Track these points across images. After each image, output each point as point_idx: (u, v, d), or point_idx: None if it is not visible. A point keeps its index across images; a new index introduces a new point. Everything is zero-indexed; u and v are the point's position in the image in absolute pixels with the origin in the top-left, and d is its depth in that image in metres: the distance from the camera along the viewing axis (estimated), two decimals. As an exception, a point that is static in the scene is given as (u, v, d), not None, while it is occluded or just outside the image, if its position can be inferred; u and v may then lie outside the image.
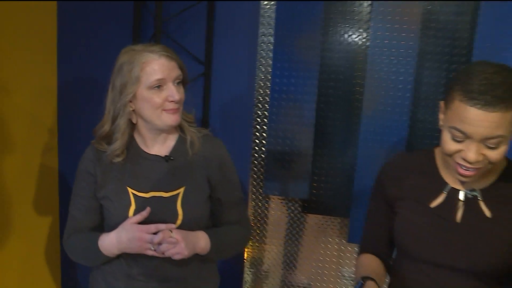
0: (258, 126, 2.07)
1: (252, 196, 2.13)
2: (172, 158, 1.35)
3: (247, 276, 2.23)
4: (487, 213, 1.11)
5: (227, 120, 2.20)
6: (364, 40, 1.95)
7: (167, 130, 1.35)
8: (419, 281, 1.18)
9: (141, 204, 1.30)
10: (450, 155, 1.05)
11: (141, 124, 1.34)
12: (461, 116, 0.99)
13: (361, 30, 1.95)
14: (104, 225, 1.39)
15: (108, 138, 1.33)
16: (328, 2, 1.94)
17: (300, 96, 1.95)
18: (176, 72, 1.30)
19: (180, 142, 1.38)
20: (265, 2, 1.98)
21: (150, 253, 1.25)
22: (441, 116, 1.11)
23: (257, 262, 2.22)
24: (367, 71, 1.89)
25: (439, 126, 1.11)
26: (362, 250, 1.35)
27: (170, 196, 1.32)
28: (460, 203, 1.13)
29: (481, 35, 1.83)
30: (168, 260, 1.28)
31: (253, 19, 2.05)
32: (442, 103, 1.10)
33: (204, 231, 1.34)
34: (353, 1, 1.94)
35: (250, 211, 2.14)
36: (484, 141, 0.99)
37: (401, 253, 1.25)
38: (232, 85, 2.17)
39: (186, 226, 1.30)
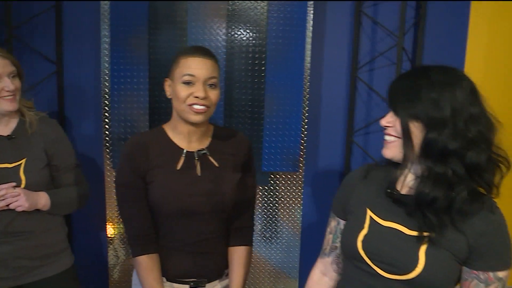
0: (106, 114, 2.43)
1: (107, 174, 2.49)
2: (14, 136, 1.69)
3: (116, 252, 2.58)
4: (215, 163, 1.46)
5: (80, 110, 2.55)
6: (183, 36, 2.39)
7: (9, 114, 1.69)
8: (177, 232, 1.44)
9: None
10: (184, 100, 1.35)
11: None
12: (187, 65, 1.36)
13: (181, 29, 2.39)
14: None
15: None
16: (153, 2, 2.34)
17: (136, 86, 2.36)
18: (10, 68, 1.64)
19: (21, 123, 1.72)
20: (104, 2, 2.32)
21: None
22: (168, 89, 1.43)
23: (122, 240, 2.57)
24: (188, 62, 2.34)
25: (168, 97, 1.44)
26: (139, 247, 1.43)
27: (14, 166, 1.65)
28: (196, 161, 1.44)
29: (271, 32, 2.36)
30: (18, 217, 1.63)
31: (96, 20, 2.41)
32: (167, 80, 1.44)
33: (45, 191, 1.70)
34: (173, 2, 2.36)
35: (108, 186, 2.50)
36: (206, 81, 1.35)
37: (159, 215, 1.45)
38: (82, 79, 2.52)
39: (32, 189, 1.65)
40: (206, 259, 1.47)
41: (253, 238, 1.60)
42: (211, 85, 1.37)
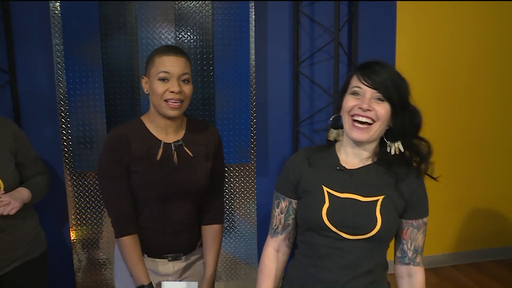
0: (63, 120, 2.52)
1: (67, 178, 2.58)
2: None
3: (80, 256, 2.68)
4: (190, 153, 1.60)
5: (37, 118, 2.61)
6: (134, 41, 2.52)
7: None
8: (157, 215, 1.59)
9: None
10: (161, 95, 1.47)
11: None
12: (162, 63, 1.47)
13: (131, 34, 2.52)
14: None
15: None
16: (103, 8, 2.44)
17: (91, 90, 2.46)
18: None
19: None
20: (56, 4, 2.38)
21: None
22: (145, 85, 1.55)
23: (87, 243, 2.68)
24: (140, 65, 2.48)
25: (146, 93, 1.55)
26: (121, 229, 1.57)
27: None
28: (173, 151, 1.57)
29: (217, 34, 2.53)
30: (3, 216, 1.70)
31: (47, 27, 2.48)
32: (144, 77, 1.55)
33: (22, 185, 1.81)
34: (123, 1, 2.48)
35: (68, 190, 2.59)
36: (180, 77, 1.48)
37: (140, 200, 1.58)
38: (37, 87, 2.59)
39: (9, 190, 1.75)
40: (182, 236, 1.65)
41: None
42: (184, 81, 1.50)
